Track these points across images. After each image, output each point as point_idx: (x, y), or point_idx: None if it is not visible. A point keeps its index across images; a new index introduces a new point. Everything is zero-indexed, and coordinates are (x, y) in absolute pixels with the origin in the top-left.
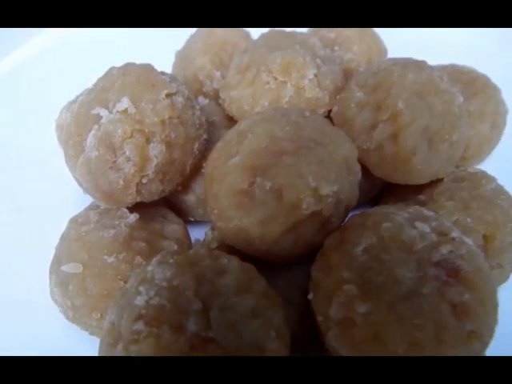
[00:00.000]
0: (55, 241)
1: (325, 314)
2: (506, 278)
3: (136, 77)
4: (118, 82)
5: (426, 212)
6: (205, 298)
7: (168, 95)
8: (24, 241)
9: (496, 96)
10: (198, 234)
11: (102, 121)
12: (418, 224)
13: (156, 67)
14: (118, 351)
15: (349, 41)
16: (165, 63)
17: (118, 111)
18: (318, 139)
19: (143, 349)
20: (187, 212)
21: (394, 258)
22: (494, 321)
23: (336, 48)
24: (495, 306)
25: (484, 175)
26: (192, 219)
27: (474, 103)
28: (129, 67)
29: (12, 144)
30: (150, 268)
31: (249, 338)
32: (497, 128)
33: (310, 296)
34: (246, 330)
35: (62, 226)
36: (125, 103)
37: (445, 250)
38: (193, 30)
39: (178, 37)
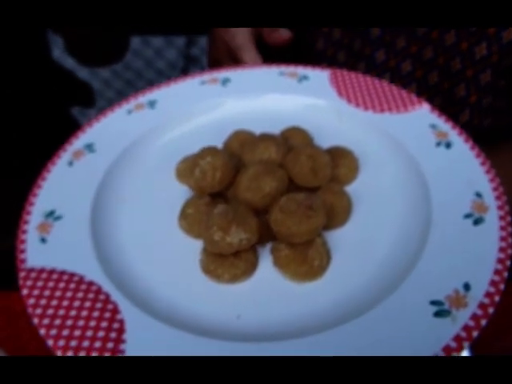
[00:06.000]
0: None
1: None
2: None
3: (212, 152)
4: (207, 153)
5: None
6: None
7: (223, 158)
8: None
9: (350, 157)
10: None
11: (201, 164)
12: (300, 195)
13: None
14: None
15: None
16: None
17: (206, 162)
18: (273, 171)
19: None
20: (227, 201)
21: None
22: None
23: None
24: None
25: (334, 185)
26: None
27: (340, 161)
28: (210, 151)
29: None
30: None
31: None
32: (351, 171)
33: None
34: None
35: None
36: (208, 159)
37: (308, 201)
38: None
39: None
